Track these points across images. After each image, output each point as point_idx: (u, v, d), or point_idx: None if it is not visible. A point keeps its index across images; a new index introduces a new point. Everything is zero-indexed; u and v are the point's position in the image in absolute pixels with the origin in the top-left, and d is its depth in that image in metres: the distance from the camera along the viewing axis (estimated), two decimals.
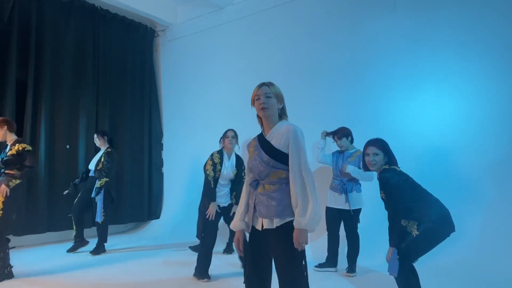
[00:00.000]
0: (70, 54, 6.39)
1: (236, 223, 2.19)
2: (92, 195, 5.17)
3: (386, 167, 2.84)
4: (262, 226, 2.09)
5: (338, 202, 4.15)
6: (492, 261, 3.87)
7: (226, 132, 4.16)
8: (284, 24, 6.13)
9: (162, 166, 7.73)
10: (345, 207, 4.09)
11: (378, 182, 2.89)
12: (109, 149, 5.33)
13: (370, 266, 4.20)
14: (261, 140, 2.17)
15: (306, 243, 1.95)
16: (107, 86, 6.92)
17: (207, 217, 3.86)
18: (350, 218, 4.10)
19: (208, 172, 3.98)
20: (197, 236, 3.98)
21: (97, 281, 3.91)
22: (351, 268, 4.00)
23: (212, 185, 3.94)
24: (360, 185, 4.18)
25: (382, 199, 2.82)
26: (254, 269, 2.10)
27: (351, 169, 4.06)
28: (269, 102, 2.11)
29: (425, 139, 4.69)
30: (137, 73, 7.53)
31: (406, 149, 4.65)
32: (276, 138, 2.10)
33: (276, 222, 2.03)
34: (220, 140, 4.21)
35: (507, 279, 3.60)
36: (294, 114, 6.43)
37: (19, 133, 5.66)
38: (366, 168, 3.01)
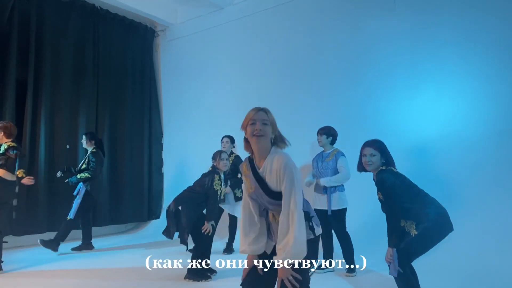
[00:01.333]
0: (70, 54, 6.40)
1: (248, 248, 2.11)
2: (74, 193, 5.28)
3: (383, 168, 2.84)
4: (273, 249, 2.09)
5: (323, 203, 4.12)
6: (490, 260, 3.87)
7: (220, 154, 4.17)
8: (284, 24, 6.12)
9: (162, 166, 7.74)
10: (329, 207, 4.07)
11: (374, 182, 2.89)
12: (94, 149, 5.41)
13: (369, 266, 4.19)
14: (255, 172, 2.06)
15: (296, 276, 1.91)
16: (107, 86, 6.92)
17: (203, 232, 3.88)
18: (336, 219, 4.06)
19: (216, 189, 3.97)
20: (182, 243, 3.98)
21: (96, 281, 3.91)
22: (350, 268, 3.99)
23: (216, 204, 4.02)
24: (342, 184, 4.16)
25: (380, 200, 2.82)
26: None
27: (324, 181, 4.07)
28: (265, 129, 2.00)
29: (425, 139, 4.68)
30: (137, 73, 7.53)
31: (405, 149, 4.66)
32: (269, 176, 2.00)
33: None
34: (215, 159, 4.22)
35: (505, 278, 3.60)
36: (294, 114, 6.43)
37: (19, 133, 5.66)
38: (362, 169, 3.00)
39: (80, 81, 6.51)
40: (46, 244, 5.01)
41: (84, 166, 5.35)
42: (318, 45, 5.75)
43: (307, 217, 2.05)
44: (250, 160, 2.11)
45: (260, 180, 2.03)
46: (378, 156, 2.87)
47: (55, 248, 5.05)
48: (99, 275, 4.13)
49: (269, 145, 2.04)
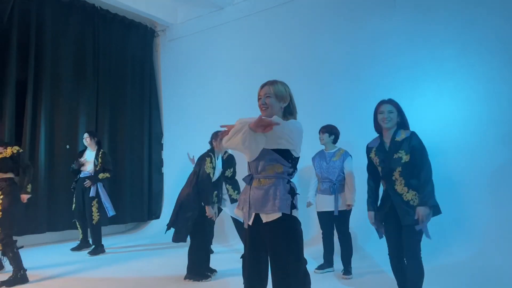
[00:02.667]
0: (70, 54, 6.40)
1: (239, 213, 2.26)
2: (91, 194, 5.20)
3: (410, 131, 2.88)
4: (260, 220, 2.10)
5: (329, 204, 4.01)
6: (495, 260, 3.87)
7: (219, 133, 4.14)
8: (284, 24, 6.12)
9: (162, 166, 7.73)
10: (336, 208, 3.99)
11: (387, 142, 2.91)
12: (102, 150, 5.45)
13: (366, 267, 4.19)
14: None
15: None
16: (107, 86, 6.92)
17: (210, 218, 3.87)
18: (342, 218, 3.99)
19: (208, 172, 3.94)
20: (175, 240, 3.97)
21: (96, 281, 3.91)
22: (347, 270, 3.93)
23: (208, 187, 3.92)
24: None
25: (403, 163, 2.79)
26: (251, 264, 2.13)
27: (351, 201, 3.93)
28: (268, 102, 2.15)
29: (425, 139, 4.64)
30: (137, 73, 7.53)
31: None
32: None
33: (273, 216, 2.05)
34: (212, 140, 4.23)
35: (506, 278, 3.59)
36: None
37: (19, 133, 5.67)
38: (377, 127, 2.99)
39: (80, 81, 6.50)
40: (94, 253, 5.11)
41: (98, 167, 5.29)
42: (318, 45, 5.75)
43: (293, 193, 2.11)
44: None
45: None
46: (395, 113, 2.88)
47: (101, 251, 5.20)
48: (99, 275, 4.12)
49: (280, 114, 2.18)
